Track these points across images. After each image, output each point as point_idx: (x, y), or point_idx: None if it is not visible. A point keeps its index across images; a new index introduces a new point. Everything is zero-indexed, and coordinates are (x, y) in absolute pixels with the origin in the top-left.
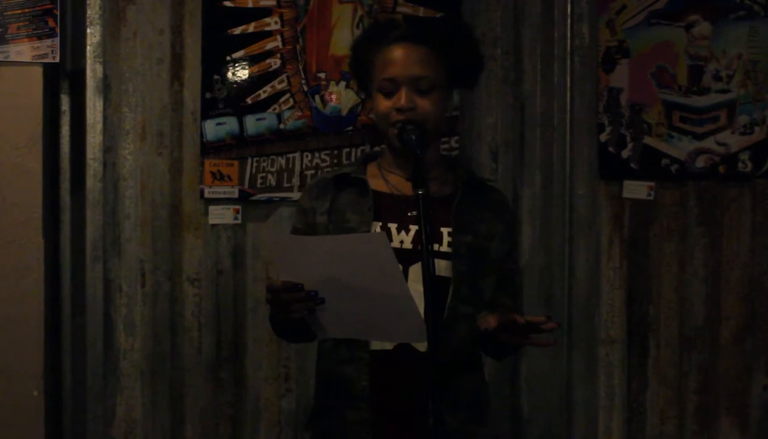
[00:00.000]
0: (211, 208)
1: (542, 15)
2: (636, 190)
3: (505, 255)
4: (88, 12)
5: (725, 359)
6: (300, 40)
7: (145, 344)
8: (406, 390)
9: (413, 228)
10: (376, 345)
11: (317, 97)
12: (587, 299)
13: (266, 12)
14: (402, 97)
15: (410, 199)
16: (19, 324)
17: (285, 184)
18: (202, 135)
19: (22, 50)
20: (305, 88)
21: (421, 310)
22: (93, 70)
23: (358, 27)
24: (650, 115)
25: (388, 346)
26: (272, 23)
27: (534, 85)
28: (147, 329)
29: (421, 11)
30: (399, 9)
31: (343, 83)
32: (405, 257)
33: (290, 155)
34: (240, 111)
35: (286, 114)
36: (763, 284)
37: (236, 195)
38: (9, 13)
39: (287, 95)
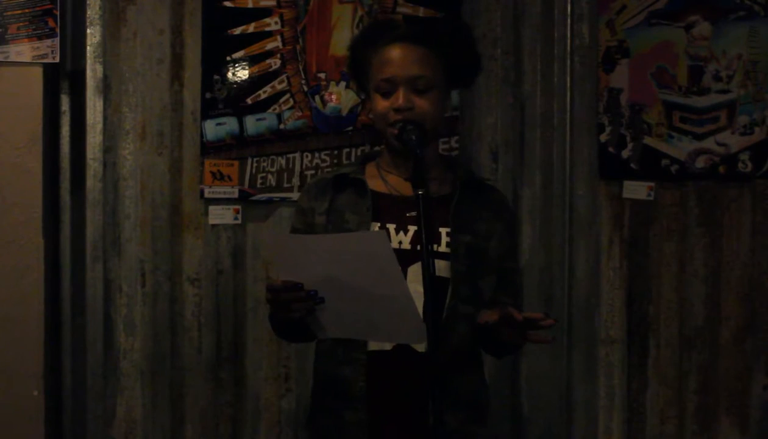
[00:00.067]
0: (211, 208)
1: (542, 15)
2: (636, 190)
3: (504, 254)
4: (88, 12)
5: (725, 359)
6: (300, 40)
7: (145, 344)
8: (404, 391)
9: (412, 228)
10: (373, 346)
11: (317, 98)
12: (587, 299)
13: (266, 12)
14: (400, 97)
15: (409, 200)
16: (19, 324)
17: (285, 185)
18: (202, 135)
19: (22, 50)
20: (305, 89)
21: (421, 310)
22: (93, 70)
23: (358, 27)
24: (650, 115)
25: (386, 346)
26: (272, 23)
27: (534, 85)
28: (147, 329)
29: (421, 11)
30: (399, 9)
31: (343, 83)
32: (404, 258)
33: (290, 155)
34: (240, 111)
35: (286, 114)
36: (763, 284)
37: (236, 195)
38: (9, 13)
39: (287, 95)
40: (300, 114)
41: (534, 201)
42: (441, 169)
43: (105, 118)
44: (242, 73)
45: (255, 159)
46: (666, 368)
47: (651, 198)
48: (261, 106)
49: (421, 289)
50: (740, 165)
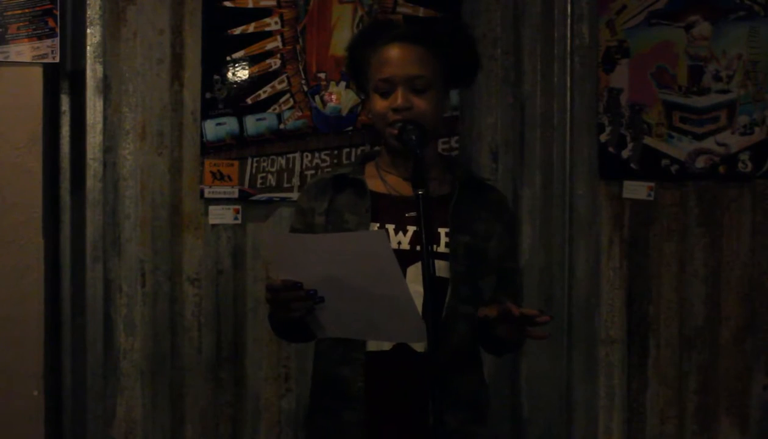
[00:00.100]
0: (211, 208)
1: (542, 15)
2: (636, 190)
3: (503, 254)
4: (88, 12)
5: (725, 359)
6: (300, 40)
7: (145, 344)
8: (402, 391)
9: (411, 229)
10: (372, 346)
11: (317, 98)
12: (587, 299)
13: (266, 12)
14: (398, 97)
15: (408, 200)
16: (19, 324)
17: (285, 185)
18: (202, 135)
19: (22, 50)
20: (305, 89)
21: (420, 310)
22: (93, 70)
23: (358, 27)
24: (650, 115)
25: (385, 347)
26: (272, 23)
27: (534, 85)
28: (147, 329)
29: (421, 11)
30: (399, 9)
31: (343, 83)
32: (403, 258)
33: (290, 155)
34: (240, 111)
35: (286, 114)
36: (763, 284)
37: (236, 195)
38: (9, 13)
39: (287, 95)
40: (300, 114)
41: (534, 201)
42: (440, 169)
43: (105, 118)
44: (242, 73)
45: (255, 159)
46: (666, 368)
47: (651, 198)
48: (261, 106)
49: (420, 289)
50: (740, 165)
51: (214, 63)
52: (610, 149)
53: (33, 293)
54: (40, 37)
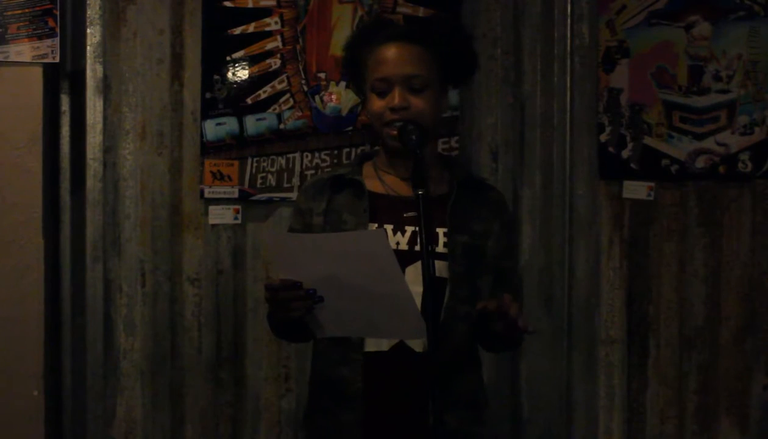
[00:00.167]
0: (211, 208)
1: (542, 15)
2: (636, 190)
3: (501, 253)
4: (88, 12)
5: (725, 359)
6: (300, 40)
7: (145, 344)
8: (401, 391)
9: (409, 229)
10: (370, 346)
11: (317, 97)
12: (587, 299)
13: (266, 12)
14: (396, 97)
15: (406, 200)
16: (19, 324)
17: (285, 185)
18: (202, 135)
19: (22, 50)
20: (305, 88)
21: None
22: (93, 70)
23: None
24: (650, 115)
25: (384, 347)
26: (272, 23)
27: (534, 85)
28: (147, 329)
29: (421, 11)
30: (399, 9)
31: (343, 83)
32: (401, 259)
33: (290, 155)
34: (240, 111)
35: (286, 114)
36: (763, 284)
37: (236, 195)
38: (9, 13)
39: (287, 95)
40: (300, 114)
41: (534, 201)
42: (438, 168)
43: (105, 118)
44: (242, 73)
45: (255, 159)
46: (666, 368)
47: (651, 198)
48: (261, 106)
49: (419, 289)
50: (740, 165)
51: (214, 63)
52: (610, 149)
53: (33, 293)
54: (40, 37)
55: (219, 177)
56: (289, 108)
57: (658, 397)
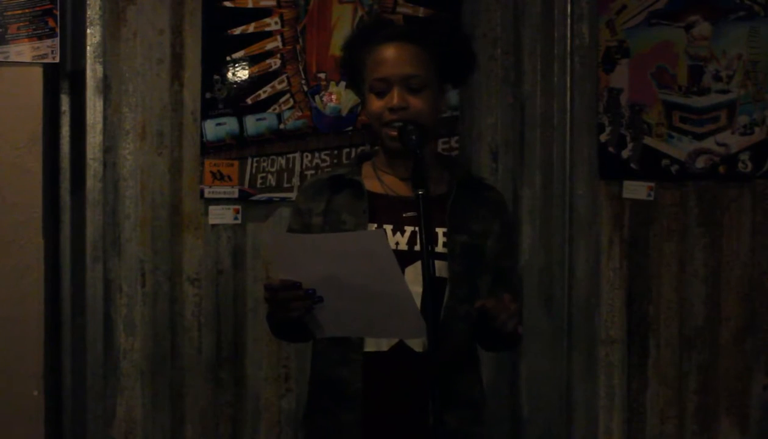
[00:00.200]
0: (211, 208)
1: (542, 15)
2: (636, 190)
3: (500, 253)
4: (88, 12)
5: (725, 359)
6: (300, 40)
7: (145, 344)
8: (401, 391)
9: (408, 229)
10: (370, 346)
11: (317, 98)
12: (587, 299)
13: (266, 12)
14: (394, 97)
15: (405, 200)
16: (19, 324)
17: (285, 185)
18: (202, 135)
19: (22, 50)
20: (305, 89)
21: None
22: (93, 70)
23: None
24: (650, 115)
25: (383, 347)
26: (272, 23)
27: (534, 85)
28: (147, 329)
29: (421, 11)
30: (399, 9)
31: (343, 83)
32: (401, 259)
33: (290, 155)
34: (240, 111)
35: (286, 114)
36: (763, 284)
37: (236, 195)
38: (9, 13)
39: (287, 95)
40: (300, 114)
41: (534, 201)
42: (437, 168)
43: (105, 118)
44: (242, 73)
45: (255, 159)
46: (666, 368)
47: (651, 198)
48: (261, 106)
49: (418, 290)
50: (740, 165)
51: (214, 63)
52: (610, 149)
53: (33, 293)
54: (40, 37)
55: (219, 177)
56: (289, 108)
57: (658, 397)
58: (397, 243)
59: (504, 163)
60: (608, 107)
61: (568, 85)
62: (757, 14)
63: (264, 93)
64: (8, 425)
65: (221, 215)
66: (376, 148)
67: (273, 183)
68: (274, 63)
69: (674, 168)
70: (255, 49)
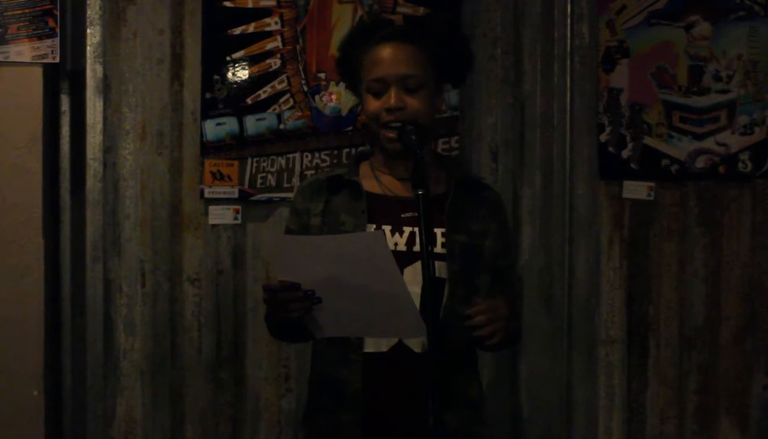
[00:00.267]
0: (211, 208)
1: (542, 15)
2: (636, 190)
3: (499, 252)
4: (88, 12)
5: (725, 359)
6: (300, 40)
7: (145, 344)
8: (400, 392)
9: (407, 230)
10: (370, 347)
11: (317, 98)
12: (587, 299)
13: (266, 12)
14: (391, 97)
15: (403, 201)
16: (19, 324)
17: (285, 185)
18: (202, 135)
19: (22, 50)
20: (305, 89)
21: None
22: (93, 70)
23: None
24: (650, 115)
25: (383, 348)
26: (272, 23)
27: (534, 85)
28: (147, 329)
29: (421, 11)
30: (399, 9)
31: (343, 84)
32: (400, 259)
33: (290, 155)
34: (240, 111)
35: (286, 114)
36: (763, 284)
37: (236, 195)
38: (9, 13)
39: (287, 95)
40: (300, 114)
41: (534, 201)
42: (435, 168)
43: (105, 118)
44: (242, 73)
45: (255, 159)
46: (666, 368)
47: (651, 198)
48: (261, 106)
49: (417, 290)
50: (740, 165)
51: (214, 63)
52: (610, 149)
53: (33, 293)
54: (40, 37)
55: (219, 177)
56: (289, 108)
57: (658, 397)
58: (395, 244)
59: (504, 163)
60: (608, 107)
61: (568, 85)
62: (757, 14)
63: (264, 93)
64: (8, 425)
65: (221, 215)
66: (375, 148)
67: (273, 183)
68: (274, 63)
69: (674, 168)
70: (255, 49)
